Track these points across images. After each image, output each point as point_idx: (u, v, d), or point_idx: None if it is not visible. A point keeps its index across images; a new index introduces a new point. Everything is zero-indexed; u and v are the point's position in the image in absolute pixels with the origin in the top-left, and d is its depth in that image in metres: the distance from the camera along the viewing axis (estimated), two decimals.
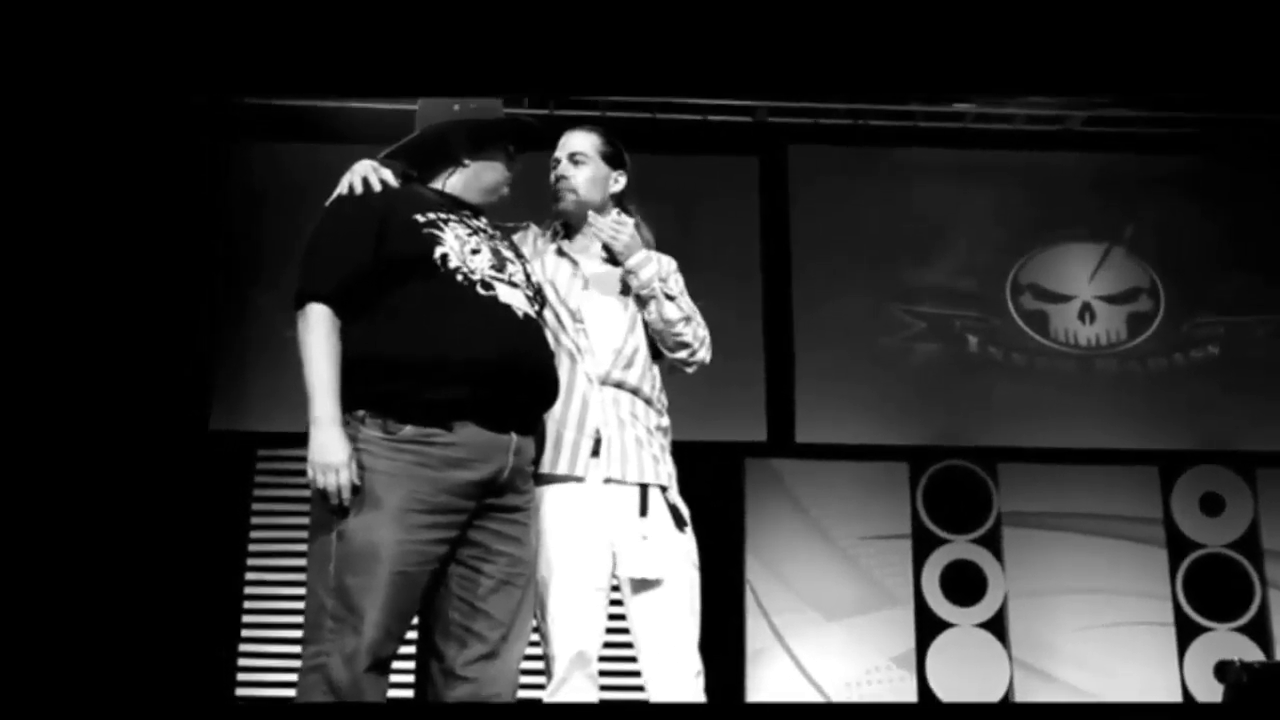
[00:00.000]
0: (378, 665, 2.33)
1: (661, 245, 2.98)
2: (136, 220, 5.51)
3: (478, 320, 2.46)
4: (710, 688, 2.74)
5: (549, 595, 2.63)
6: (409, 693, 3.92)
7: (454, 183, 2.69)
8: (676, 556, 2.68)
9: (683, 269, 2.96)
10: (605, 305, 2.79)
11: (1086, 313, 6.09)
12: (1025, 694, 5.56)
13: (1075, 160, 6.19)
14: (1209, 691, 5.43)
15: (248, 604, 5.46)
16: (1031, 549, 5.75)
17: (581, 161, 2.86)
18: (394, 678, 2.41)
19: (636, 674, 2.71)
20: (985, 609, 5.68)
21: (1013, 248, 6.14)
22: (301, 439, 2.39)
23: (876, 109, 5.99)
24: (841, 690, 5.54)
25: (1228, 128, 6.03)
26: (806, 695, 5.52)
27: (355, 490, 2.34)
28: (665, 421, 2.83)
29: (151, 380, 5.45)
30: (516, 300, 2.54)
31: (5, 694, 4.49)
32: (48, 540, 4.98)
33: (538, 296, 2.66)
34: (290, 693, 2.45)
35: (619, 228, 2.78)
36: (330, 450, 2.33)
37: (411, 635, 2.47)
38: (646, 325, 2.82)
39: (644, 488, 2.69)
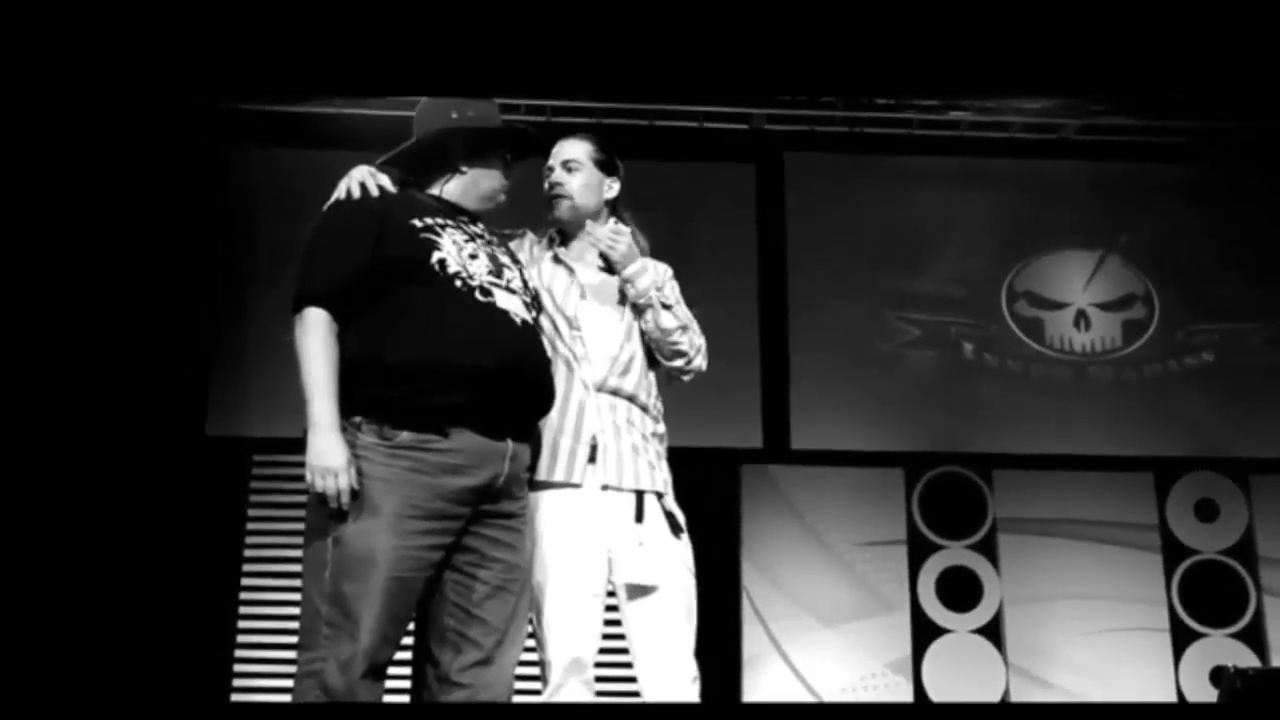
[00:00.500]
0: (373, 671, 2.33)
1: (657, 252, 2.99)
2: (134, 224, 5.51)
3: (475, 326, 2.46)
4: (706, 694, 2.74)
5: (545, 601, 2.63)
6: (404, 698, 3.92)
7: (451, 189, 2.69)
8: (672, 563, 2.69)
9: (678, 276, 2.96)
10: (602, 312, 2.80)
11: (1081, 320, 6.10)
12: (1021, 699, 5.56)
13: (1070, 168, 6.20)
14: (1204, 697, 5.44)
15: (243, 609, 5.45)
16: (1027, 555, 5.76)
17: (575, 169, 2.86)
18: (389, 683, 2.41)
19: (632, 680, 2.71)
20: (981, 615, 5.69)
21: (1008, 255, 6.15)
22: (298, 444, 2.39)
23: (872, 116, 6.00)
24: (838, 696, 5.54)
25: (1222, 136, 6.05)
26: (802, 701, 5.52)
27: (353, 495, 2.34)
28: (661, 428, 2.84)
29: (148, 385, 5.45)
30: (514, 306, 2.54)
31: (3, 697, 4.48)
32: (45, 545, 4.98)
33: (535, 303, 2.66)
34: (286, 698, 2.45)
35: (616, 237, 2.79)
36: (329, 454, 2.33)
37: (407, 641, 2.48)
38: (643, 333, 2.83)
39: (640, 494, 2.70)
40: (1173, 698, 5.55)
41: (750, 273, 6.01)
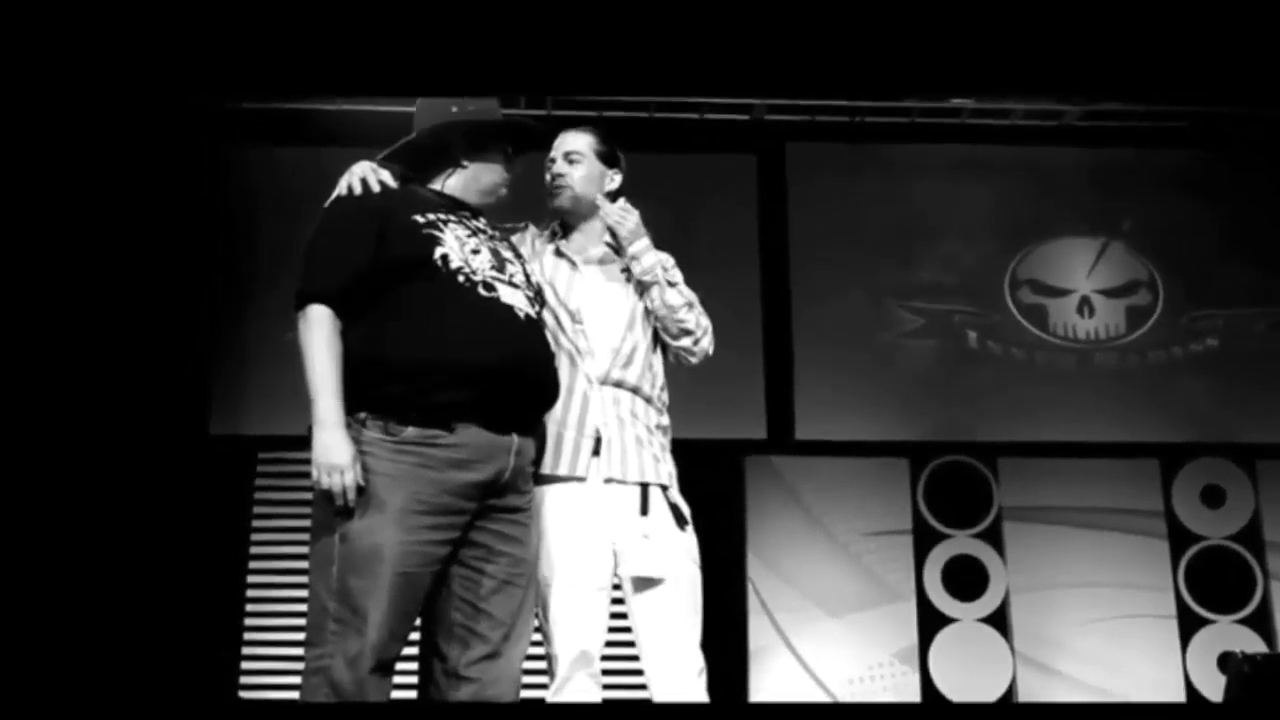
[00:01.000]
0: (381, 667, 2.34)
1: (659, 244, 2.98)
2: (136, 224, 5.51)
3: (479, 321, 2.46)
4: (713, 686, 2.74)
5: (551, 595, 2.63)
6: (412, 694, 3.92)
7: (453, 184, 2.69)
8: (678, 555, 2.69)
9: (681, 267, 2.96)
10: (604, 305, 2.80)
11: (1085, 307, 6.08)
12: (1028, 688, 5.56)
13: (1073, 155, 6.19)
14: (1212, 684, 5.44)
15: (250, 607, 5.46)
16: (1033, 543, 5.75)
17: (577, 160, 2.87)
18: (397, 679, 2.42)
19: (639, 673, 2.71)
20: (987, 604, 5.68)
21: (1011, 242, 6.14)
22: (302, 442, 2.39)
23: (873, 106, 5.99)
24: (844, 687, 5.54)
25: (1224, 122, 6.04)
26: (810, 692, 5.52)
27: (359, 491, 2.34)
28: (665, 420, 2.84)
29: (151, 385, 5.45)
30: (518, 301, 2.54)
31: (10, 697, 4.49)
32: (50, 545, 4.98)
33: (538, 297, 2.66)
34: (293, 695, 2.45)
35: (626, 213, 2.81)
36: (335, 451, 2.33)
37: (413, 636, 2.48)
38: (647, 318, 2.83)
39: (645, 487, 2.70)
40: (1180, 685, 5.55)
41: (753, 264, 6.00)
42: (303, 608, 2.43)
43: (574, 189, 2.86)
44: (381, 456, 2.37)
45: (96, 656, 5.02)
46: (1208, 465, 5.85)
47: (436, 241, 2.50)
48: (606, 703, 2.72)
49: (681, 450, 2.90)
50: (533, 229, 2.94)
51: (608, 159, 2.91)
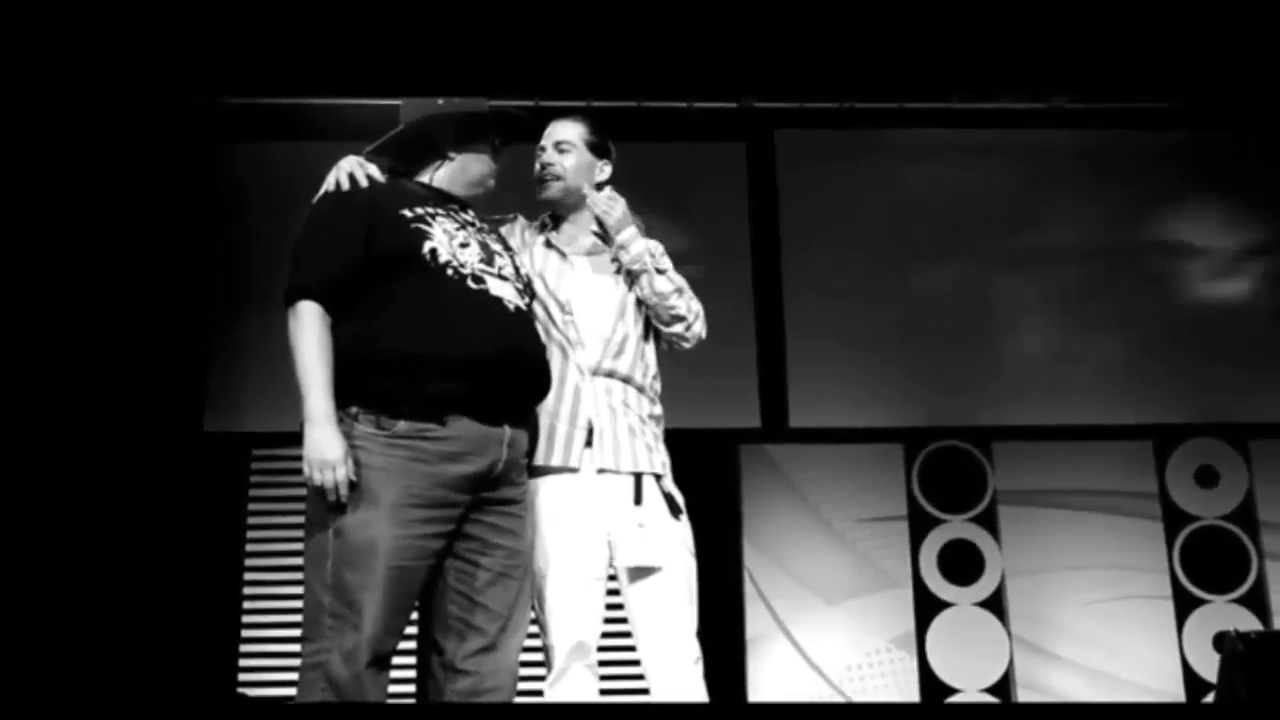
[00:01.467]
0: (378, 661, 2.34)
1: (650, 233, 2.98)
2: (129, 220, 5.49)
3: (469, 314, 2.46)
4: (710, 675, 2.74)
5: (547, 587, 2.64)
6: (410, 688, 3.93)
7: (440, 176, 2.68)
8: (673, 544, 2.70)
9: (672, 257, 2.96)
10: (595, 295, 2.80)
11: (1080, 289, 6.07)
12: (1025, 671, 5.58)
13: (1063, 137, 6.18)
14: (1208, 664, 5.45)
15: (247, 604, 5.46)
16: (1028, 527, 5.76)
17: (567, 150, 2.87)
18: (394, 674, 2.42)
19: (636, 663, 2.72)
20: (983, 588, 5.69)
21: (1002, 227, 6.13)
22: (296, 438, 2.40)
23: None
24: (842, 674, 5.55)
25: (1215, 104, 6.04)
26: (808, 680, 5.53)
27: (352, 486, 2.34)
28: (658, 410, 2.84)
29: (145, 381, 5.44)
30: (507, 293, 2.54)
31: (6, 695, 4.48)
32: (45, 543, 4.98)
33: (528, 289, 2.66)
34: (291, 691, 2.45)
35: (613, 203, 2.82)
36: (326, 447, 2.34)
37: (412, 630, 2.48)
38: (638, 308, 2.83)
39: (638, 477, 2.70)
40: (1177, 665, 5.56)
41: (744, 252, 5.99)
42: (299, 604, 2.44)
43: (564, 179, 2.86)
44: (374, 451, 2.37)
45: (94, 655, 5.01)
46: (1201, 445, 5.85)
47: (425, 235, 2.49)
48: (607, 705, 2.71)
49: (676, 440, 2.90)
50: (522, 220, 2.94)
51: (598, 149, 2.90)
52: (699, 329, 2.90)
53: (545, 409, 2.69)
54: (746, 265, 5.98)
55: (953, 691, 5.53)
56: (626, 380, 2.76)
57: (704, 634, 2.73)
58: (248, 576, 5.48)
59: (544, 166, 2.87)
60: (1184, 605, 5.66)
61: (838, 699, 5.49)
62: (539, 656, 2.68)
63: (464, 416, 2.42)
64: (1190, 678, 5.50)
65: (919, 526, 5.75)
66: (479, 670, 2.43)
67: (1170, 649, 5.60)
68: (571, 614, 2.63)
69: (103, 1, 3.45)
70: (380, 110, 4.80)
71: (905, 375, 5.90)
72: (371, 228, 2.47)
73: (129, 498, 5.25)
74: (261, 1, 3.44)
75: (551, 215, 2.93)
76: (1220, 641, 3.72)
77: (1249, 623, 5.55)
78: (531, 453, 2.66)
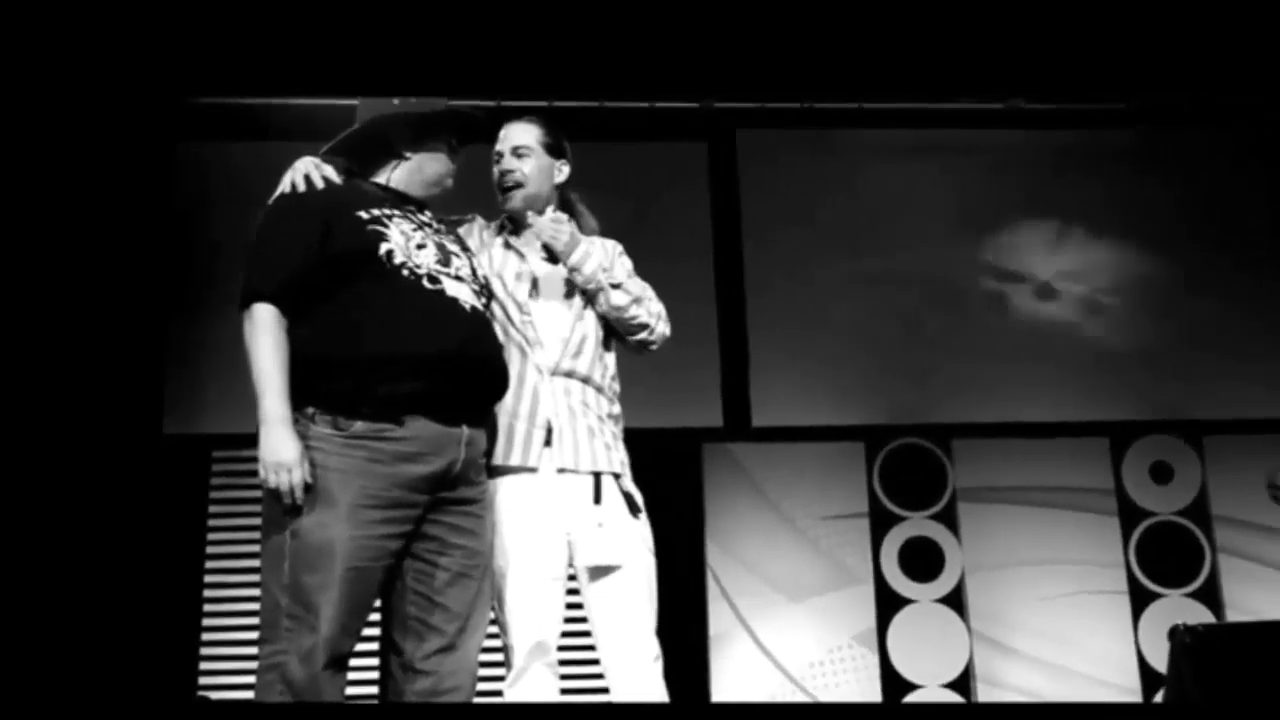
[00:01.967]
0: (335, 662, 2.33)
1: (612, 234, 2.99)
2: (87, 220, 5.43)
3: (426, 314, 2.46)
4: (674, 673, 2.75)
5: (506, 586, 2.64)
6: (371, 689, 3.92)
7: (397, 177, 2.68)
8: (632, 543, 2.70)
9: (634, 257, 2.97)
10: (553, 296, 2.79)
11: (1041, 290, 6.14)
12: (985, 666, 5.63)
13: (1025, 138, 6.23)
14: (1163, 657, 5.50)
15: (207, 606, 5.43)
16: (987, 523, 5.81)
17: (526, 154, 2.85)
18: (353, 675, 2.41)
19: (596, 662, 2.72)
20: (944, 584, 5.74)
21: (964, 226, 6.18)
22: (256, 440, 2.39)
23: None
24: (805, 671, 5.58)
25: (1173, 103, 6.12)
26: (771, 677, 5.56)
27: (308, 488, 2.33)
28: (617, 409, 2.84)
29: (104, 384, 5.39)
30: (464, 294, 2.54)
31: None
32: (2, 547, 4.92)
33: (484, 290, 2.66)
34: (252, 694, 2.44)
35: (558, 226, 2.78)
36: (281, 449, 2.33)
37: (374, 632, 2.48)
38: (599, 315, 2.83)
39: (597, 476, 2.70)
40: (1133, 659, 5.64)
41: (706, 252, 6.01)
42: (260, 605, 2.43)
43: (525, 187, 2.84)
44: (331, 452, 2.36)
45: (54, 658, 4.97)
46: (1156, 442, 5.93)
47: (381, 237, 2.49)
48: (573, 705, 2.72)
49: (639, 439, 2.91)
50: (480, 221, 2.93)
51: (555, 150, 2.89)
52: (663, 329, 2.89)
53: (504, 408, 2.69)
54: (709, 264, 6.00)
55: (914, 687, 5.58)
56: (585, 380, 2.76)
57: (667, 632, 2.74)
58: (208, 579, 5.45)
59: (503, 174, 2.85)
60: (1140, 600, 5.73)
61: (801, 696, 5.52)
62: (499, 656, 2.69)
63: (421, 416, 2.41)
64: (1146, 671, 5.57)
65: (880, 524, 5.79)
66: (438, 670, 2.42)
67: (1127, 643, 5.68)
68: (531, 614, 2.63)
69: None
70: (341, 110, 4.78)
71: (866, 373, 5.95)
72: (327, 229, 2.47)
73: (89, 501, 5.20)
74: (225, 1, 3.43)
75: (510, 217, 2.91)
76: (1173, 635, 3.78)
77: (1203, 616, 5.64)
78: (490, 452, 2.65)
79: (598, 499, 2.68)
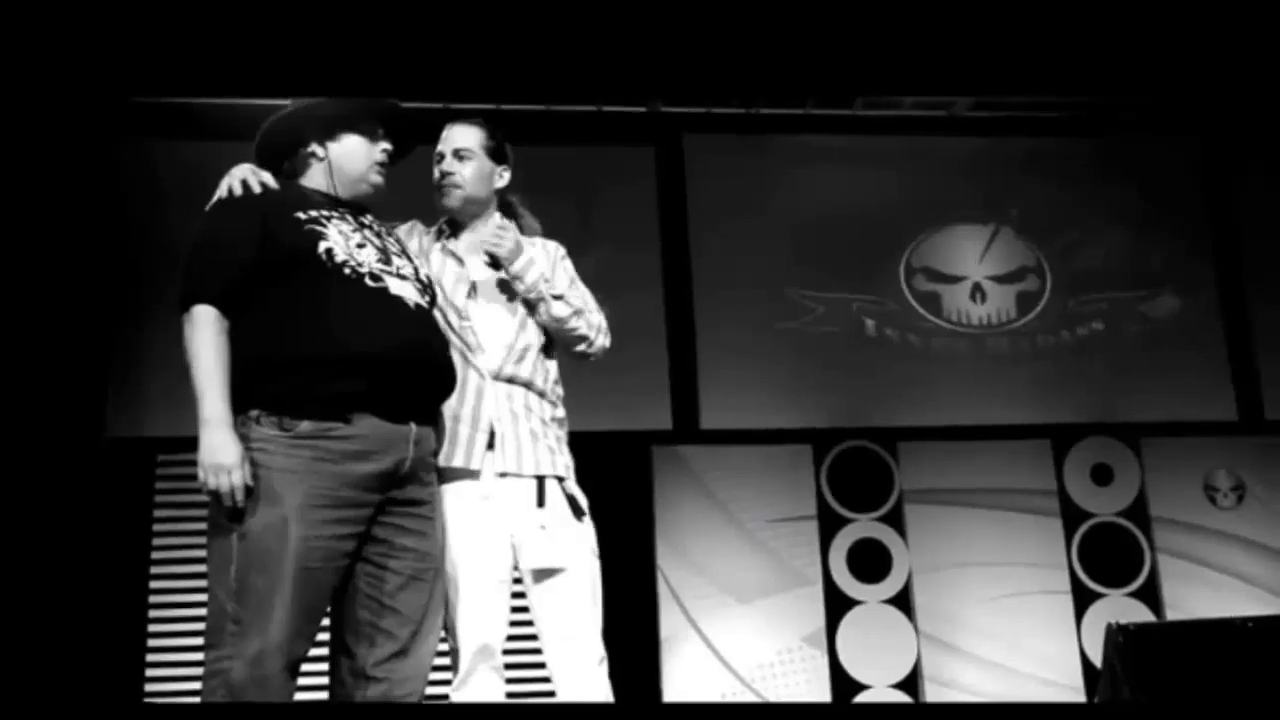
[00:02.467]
0: (289, 666, 2.31)
1: (558, 237, 2.99)
2: (28, 220, 5.36)
3: (370, 312, 2.44)
4: (624, 675, 2.76)
5: (451, 589, 2.63)
6: (316, 695, 3.89)
7: (318, 178, 2.62)
8: (575, 546, 2.70)
9: (581, 261, 2.97)
10: (494, 301, 2.78)
11: (977, 293, 6.23)
12: (932, 666, 5.70)
13: (962, 144, 6.33)
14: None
15: (153, 612, 5.36)
16: (933, 525, 5.88)
17: (467, 157, 2.83)
18: (302, 680, 2.40)
19: (542, 665, 2.73)
20: (891, 585, 5.80)
21: (905, 231, 6.26)
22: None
23: (768, 97, 6.06)
24: (755, 672, 5.62)
25: (1106, 110, 6.24)
26: (720, 678, 5.59)
27: (249, 491, 2.31)
28: (561, 413, 2.84)
29: (45, 386, 5.32)
30: (407, 292, 2.52)
31: None
32: None
33: (428, 289, 2.64)
34: (198, 700, 2.42)
35: (500, 234, 2.77)
36: (221, 451, 2.31)
37: (322, 636, 2.46)
38: (538, 322, 2.83)
39: (540, 479, 2.70)
40: (1076, 657, 5.72)
41: (654, 256, 6.04)
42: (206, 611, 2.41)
43: (464, 189, 2.82)
44: (276, 452, 2.34)
45: None
46: (1097, 444, 6.03)
47: (320, 236, 2.47)
48: (525, 706, 2.72)
49: (589, 442, 2.92)
50: (419, 226, 2.91)
51: (497, 154, 2.87)
52: (602, 342, 2.89)
53: (447, 410, 2.67)
54: (657, 268, 6.02)
55: (863, 688, 5.63)
56: (528, 385, 2.76)
57: (618, 634, 2.75)
58: (154, 584, 5.39)
59: (443, 175, 2.83)
60: (1082, 599, 5.82)
61: (750, 697, 5.55)
62: (444, 661, 2.68)
63: (369, 414, 2.40)
64: (1089, 670, 5.65)
65: (828, 526, 5.84)
66: (390, 676, 2.41)
67: (1070, 642, 5.76)
68: (476, 617, 2.63)
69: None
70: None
71: (813, 377, 6.00)
72: (265, 229, 2.44)
73: (30, 505, 5.13)
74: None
75: (449, 221, 2.89)
76: (1106, 633, 3.85)
77: (1143, 615, 5.74)
78: (435, 454, 2.66)
79: (540, 502, 2.68)
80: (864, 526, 5.86)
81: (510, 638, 2.70)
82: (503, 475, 2.68)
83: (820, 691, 5.59)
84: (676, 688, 5.54)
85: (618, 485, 4.88)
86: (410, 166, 2.78)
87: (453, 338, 2.73)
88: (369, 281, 2.48)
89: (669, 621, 5.64)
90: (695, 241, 6.08)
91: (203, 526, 2.42)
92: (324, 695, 2.43)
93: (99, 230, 5.64)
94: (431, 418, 2.57)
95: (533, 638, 2.72)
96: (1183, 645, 3.73)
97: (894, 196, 6.25)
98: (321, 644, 2.46)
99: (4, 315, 5.24)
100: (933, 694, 5.64)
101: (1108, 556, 5.89)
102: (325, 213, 2.54)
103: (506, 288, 2.80)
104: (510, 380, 2.74)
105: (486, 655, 2.64)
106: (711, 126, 6.17)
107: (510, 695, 2.75)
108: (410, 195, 2.82)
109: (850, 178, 6.25)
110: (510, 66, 3.76)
